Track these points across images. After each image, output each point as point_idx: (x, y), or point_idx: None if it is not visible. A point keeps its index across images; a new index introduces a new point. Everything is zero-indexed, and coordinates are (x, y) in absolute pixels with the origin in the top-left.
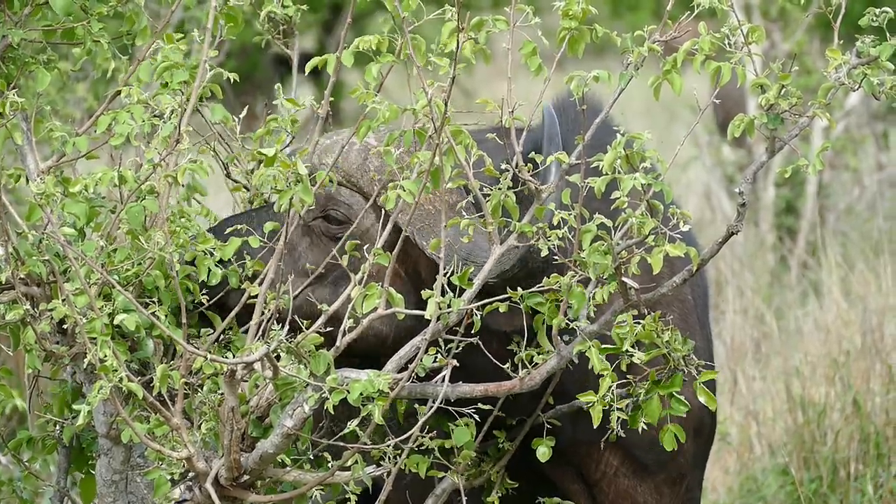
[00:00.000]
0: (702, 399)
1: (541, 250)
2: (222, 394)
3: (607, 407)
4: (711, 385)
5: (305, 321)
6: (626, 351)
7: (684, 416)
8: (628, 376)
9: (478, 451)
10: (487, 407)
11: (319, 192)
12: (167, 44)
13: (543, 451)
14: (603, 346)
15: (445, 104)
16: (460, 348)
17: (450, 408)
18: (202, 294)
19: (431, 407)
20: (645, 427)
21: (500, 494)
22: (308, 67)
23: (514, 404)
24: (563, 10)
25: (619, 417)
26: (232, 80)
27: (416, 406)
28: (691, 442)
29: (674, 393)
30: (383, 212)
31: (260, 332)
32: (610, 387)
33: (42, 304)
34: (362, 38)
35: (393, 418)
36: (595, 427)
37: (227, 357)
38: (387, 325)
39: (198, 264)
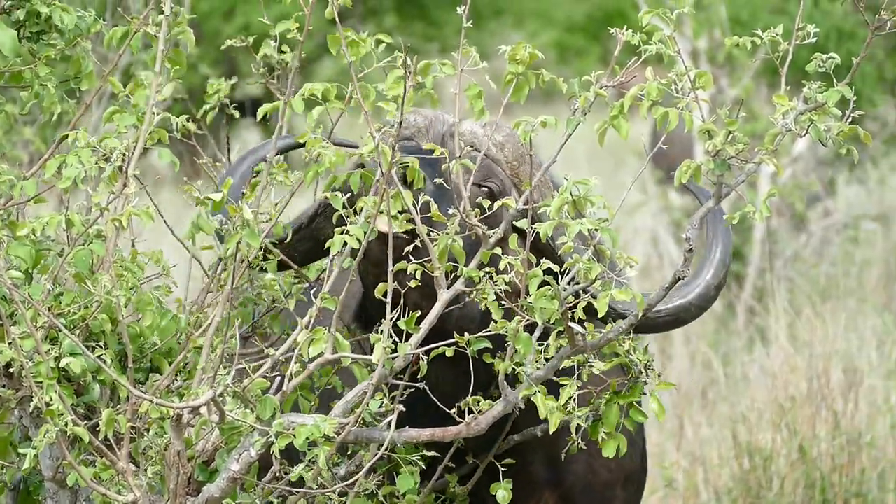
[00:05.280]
0: (653, 406)
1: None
2: (168, 438)
3: (568, 416)
4: (642, 430)
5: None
6: (587, 361)
7: (632, 428)
8: (589, 387)
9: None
10: (432, 454)
11: (483, 162)
12: (114, 89)
13: (503, 496)
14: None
15: (392, 149)
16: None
17: (394, 454)
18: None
19: (376, 453)
20: (604, 436)
21: None
22: (259, 113)
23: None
24: (509, 55)
25: (578, 426)
26: (179, 125)
27: (362, 451)
28: (622, 489)
29: (633, 402)
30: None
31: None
32: (571, 396)
33: None
34: (310, 86)
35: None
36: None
37: (173, 401)
38: None
39: (141, 310)
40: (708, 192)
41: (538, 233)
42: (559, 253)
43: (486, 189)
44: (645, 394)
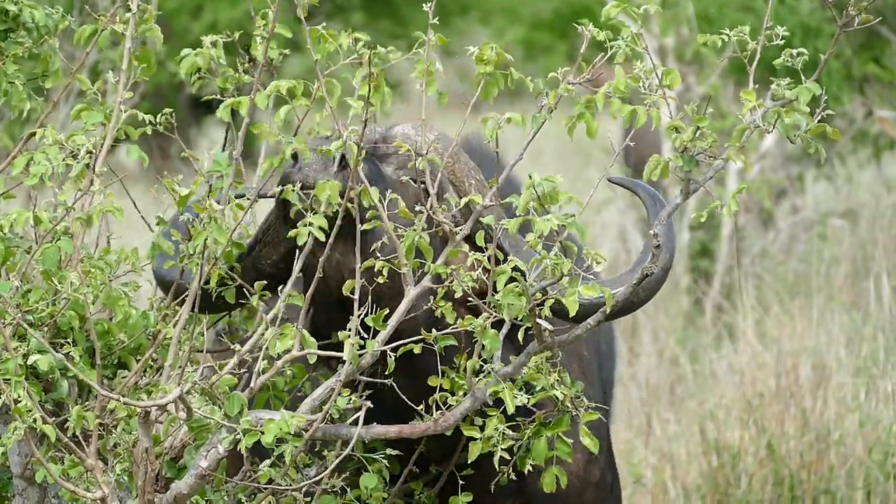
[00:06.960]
0: (584, 441)
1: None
2: (136, 435)
3: (491, 448)
4: (607, 436)
5: None
6: (513, 393)
7: (570, 459)
8: (518, 419)
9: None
10: (396, 453)
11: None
12: (81, 86)
13: None
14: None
15: (358, 146)
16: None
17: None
18: None
19: (343, 449)
20: (531, 469)
21: None
22: (222, 109)
23: (436, 443)
24: (476, 56)
25: (502, 458)
26: (147, 122)
27: (327, 450)
28: (593, 493)
29: (559, 434)
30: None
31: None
32: (497, 428)
33: None
34: (277, 83)
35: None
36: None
37: (141, 398)
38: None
39: (111, 305)
40: (644, 185)
41: (477, 232)
42: (524, 248)
43: (424, 187)
44: (576, 423)
